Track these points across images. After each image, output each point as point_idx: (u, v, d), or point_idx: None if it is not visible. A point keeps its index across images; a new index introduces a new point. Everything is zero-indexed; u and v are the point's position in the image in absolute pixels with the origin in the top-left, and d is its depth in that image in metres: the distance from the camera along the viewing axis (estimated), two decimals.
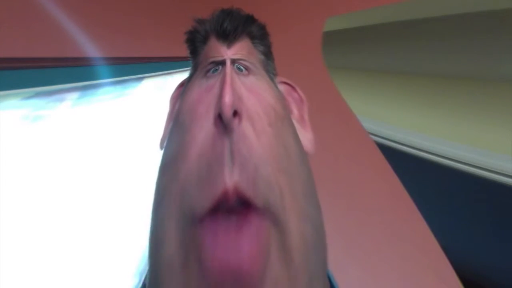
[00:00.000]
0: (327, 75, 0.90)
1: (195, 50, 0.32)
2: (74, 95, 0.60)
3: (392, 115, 1.07)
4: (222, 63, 0.27)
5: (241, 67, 0.27)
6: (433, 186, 0.97)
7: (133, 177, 0.67)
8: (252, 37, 0.31)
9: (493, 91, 0.86)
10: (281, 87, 0.31)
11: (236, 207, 0.18)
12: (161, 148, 0.28)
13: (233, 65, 0.27)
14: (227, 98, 0.20)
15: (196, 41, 0.32)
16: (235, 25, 0.29)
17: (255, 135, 0.21)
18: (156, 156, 0.26)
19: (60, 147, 0.55)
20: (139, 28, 0.71)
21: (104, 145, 0.63)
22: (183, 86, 0.32)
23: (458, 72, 0.94)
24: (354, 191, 0.74)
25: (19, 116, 0.50)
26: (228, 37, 0.29)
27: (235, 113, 0.21)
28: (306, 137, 0.28)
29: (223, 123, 0.20)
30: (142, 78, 0.79)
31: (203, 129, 0.21)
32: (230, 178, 0.18)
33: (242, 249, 0.17)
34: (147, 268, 0.21)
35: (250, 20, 0.32)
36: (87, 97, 0.63)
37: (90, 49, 0.57)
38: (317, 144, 0.29)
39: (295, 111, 0.31)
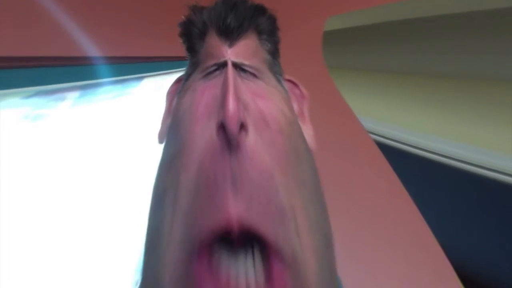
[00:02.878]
0: (327, 75, 0.90)
1: (193, 47, 0.29)
2: (74, 94, 0.60)
3: (392, 114, 1.07)
4: (224, 65, 0.24)
5: (246, 69, 0.25)
6: (432, 185, 0.97)
7: (133, 176, 0.67)
8: (259, 32, 0.28)
9: (493, 90, 0.86)
10: (284, 85, 0.30)
11: (243, 243, 0.16)
12: (160, 142, 0.27)
13: (237, 68, 0.24)
14: (231, 108, 0.18)
15: (193, 36, 0.28)
16: (240, 21, 0.26)
17: (264, 149, 0.19)
18: (155, 155, 0.25)
19: (61, 145, 0.55)
20: (139, 28, 0.71)
21: (104, 144, 0.63)
22: (181, 82, 0.30)
23: (458, 72, 0.94)
24: (353, 190, 0.74)
25: (20, 115, 0.50)
26: (231, 34, 0.26)
27: (241, 126, 0.18)
28: (307, 133, 0.27)
29: (227, 137, 0.18)
30: (142, 78, 0.79)
31: (204, 135, 0.19)
32: (234, 208, 0.16)
33: None
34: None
35: (259, 11, 0.28)
36: (88, 96, 0.64)
37: (91, 49, 0.57)
38: (317, 143, 0.29)
39: (295, 106, 0.30)
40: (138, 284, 0.19)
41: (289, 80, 0.31)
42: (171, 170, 0.20)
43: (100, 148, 0.62)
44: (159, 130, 0.29)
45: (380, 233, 0.67)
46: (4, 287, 0.41)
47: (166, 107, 0.31)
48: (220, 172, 0.17)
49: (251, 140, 0.19)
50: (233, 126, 0.17)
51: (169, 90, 0.32)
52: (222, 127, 0.18)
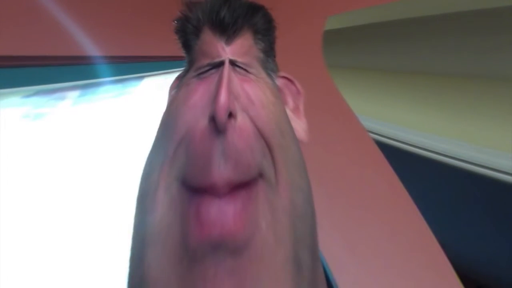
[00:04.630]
0: (327, 74, 0.90)
1: (187, 43, 0.29)
2: (74, 93, 0.60)
3: (392, 113, 1.07)
4: (220, 64, 0.25)
5: (239, 65, 0.25)
6: (431, 184, 0.97)
7: (133, 176, 0.67)
8: (255, 31, 0.28)
9: (493, 89, 0.86)
10: (280, 81, 0.31)
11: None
12: None
13: (232, 66, 0.25)
14: (222, 99, 0.20)
15: (187, 33, 0.28)
16: (234, 16, 0.26)
17: (251, 123, 0.21)
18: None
19: (61, 145, 0.55)
20: (140, 27, 0.71)
21: (105, 144, 0.64)
22: (179, 79, 0.30)
23: (458, 70, 0.94)
24: (353, 189, 0.74)
25: (20, 114, 0.50)
26: (226, 31, 0.26)
27: (230, 114, 0.20)
28: (300, 126, 0.28)
29: (216, 125, 0.20)
30: (142, 77, 0.79)
31: (195, 122, 0.21)
32: (220, 175, 0.18)
33: (227, 213, 0.17)
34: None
35: (253, 9, 0.27)
36: (88, 96, 0.64)
37: (91, 48, 0.57)
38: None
39: (290, 102, 0.31)
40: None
41: (285, 77, 0.32)
42: (161, 143, 0.22)
43: (101, 147, 0.62)
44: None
45: (379, 232, 0.67)
46: (4, 287, 0.41)
47: (168, 101, 0.31)
48: (208, 147, 0.19)
49: (239, 118, 0.21)
50: (221, 117, 0.19)
51: (171, 86, 0.33)
52: (213, 119, 0.20)
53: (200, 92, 0.23)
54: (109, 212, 0.60)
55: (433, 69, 1.01)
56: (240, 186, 0.18)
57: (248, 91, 0.23)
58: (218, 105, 0.19)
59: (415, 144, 0.95)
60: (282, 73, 0.32)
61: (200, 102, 0.22)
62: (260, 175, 0.19)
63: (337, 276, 0.60)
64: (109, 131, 0.66)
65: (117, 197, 0.62)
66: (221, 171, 0.18)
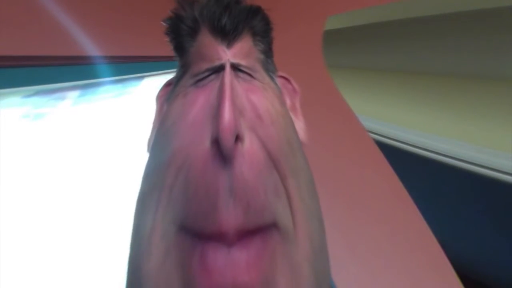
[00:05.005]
0: (327, 75, 0.90)
1: (181, 45, 0.26)
2: (75, 93, 0.60)
3: (392, 113, 1.07)
4: (220, 69, 0.23)
5: (242, 69, 0.24)
6: (432, 184, 0.97)
7: (133, 176, 0.67)
8: (254, 34, 0.27)
9: (493, 89, 0.86)
10: (278, 81, 0.30)
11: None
12: (149, 150, 0.26)
13: (234, 70, 0.23)
14: (227, 119, 0.17)
15: (181, 34, 0.26)
16: (235, 23, 0.24)
17: (259, 145, 0.19)
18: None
19: (61, 145, 0.55)
20: (140, 27, 0.71)
21: (105, 143, 0.64)
22: (170, 86, 0.28)
23: (458, 71, 0.94)
24: (353, 189, 0.74)
25: (20, 114, 0.50)
26: (227, 36, 0.24)
27: (236, 138, 0.17)
28: (299, 125, 0.28)
29: (221, 150, 0.17)
30: (142, 77, 0.79)
31: (196, 143, 0.18)
32: (228, 220, 0.15)
33: (239, 262, 0.15)
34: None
35: (253, 12, 0.26)
36: (88, 95, 0.64)
37: (91, 48, 0.57)
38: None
39: (288, 101, 0.30)
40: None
41: (281, 76, 0.31)
42: (155, 173, 0.19)
43: (100, 147, 0.62)
44: (149, 137, 0.28)
45: (379, 232, 0.67)
46: (4, 287, 0.41)
47: (156, 112, 0.30)
48: (213, 183, 0.16)
49: (247, 143, 0.18)
50: (227, 141, 0.16)
51: (158, 94, 0.30)
52: (216, 142, 0.17)
53: (199, 104, 0.21)
54: (109, 212, 0.60)
55: (433, 69, 1.00)
56: (252, 232, 0.16)
57: (255, 102, 0.21)
58: (222, 125, 0.16)
59: (415, 144, 0.95)
60: (279, 73, 0.31)
61: (200, 117, 0.20)
62: (275, 224, 0.17)
63: (337, 276, 0.60)
64: (109, 131, 0.66)
65: (117, 197, 0.62)
66: (230, 215, 0.15)
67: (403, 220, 0.70)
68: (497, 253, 0.92)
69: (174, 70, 0.30)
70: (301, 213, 0.18)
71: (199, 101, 0.21)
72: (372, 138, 0.87)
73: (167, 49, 0.30)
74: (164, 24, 0.27)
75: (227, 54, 0.23)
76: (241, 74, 0.23)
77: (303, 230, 0.17)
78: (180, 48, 0.27)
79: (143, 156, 0.25)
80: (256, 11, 0.27)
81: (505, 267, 0.92)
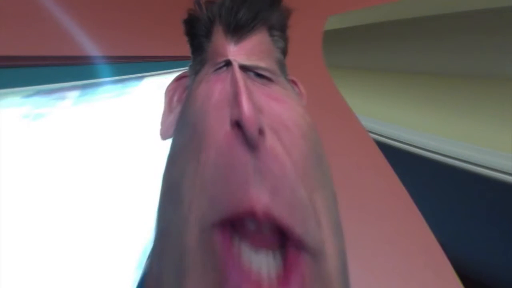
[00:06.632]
0: (327, 74, 0.90)
1: (200, 45, 0.27)
2: (74, 93, 0.60)
3: (392, 113, 1.07)
4: (229, 63, 0.23)
5: (261, 73, 0.23)
6: (432, 184, 0.97)
7: (133, 176, 0.67)
8: (270, 27, 0.26)
9: (493, 89, 0.86)
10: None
11: (266, 234, 0.16)
12: (164, 138, 0.27)
13: (249, 73, 0.23)
14: (247, 110, 0.17)
15: (199, 35, 0.27)
16: (253, 12, 0.24)
17: (285, 152, 0.18)
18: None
19: (61, 145, 0.55)
20: (140, 27, 0.71)
21: (105, 144, 0.64)
22: (182, 79, 0.29)
23: (458, 70, 0.94)
24: (353, 190, 0.74)
25: (20, 114, 0.50)
26: (240, 30, 0.24)
27: (259, 131, 0.17)
28: None
29: (244, 136, 0.17)
30: (142, 77, 0.79)
31: (219, 123, 0.19)
32: (258, 200, 0.15)
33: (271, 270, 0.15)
34: (147, 259, 0.19)
35: (274, 3, 0.25)
36: (88, 96, 0.64)
37: (91, 48, 0.57)
38: None
39: None
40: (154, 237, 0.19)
41: (290, 79, 0.31)
42: (188, 151, 0.19)
43: (101, 147, 0.62)
44: (161, 128, 0.29)
45: (379, 232, 0.67)
46: (4, 287, 0.41)
47: (165, 104, 0.30)
48: (240, 163, 0.17)
49: (269, 142, 0.18)
50: (253, 131, 0.17)
51: (168, 88, 0.31)
52: (237, 124, 0.18)
53: (218, 89, 0.22)
54: (109, 212, 0.60)
55: (433, 69, 1.01)
56: (286, 244, 0.15)
57: (279, 111, 0.20)
58: (244, 115, 0.17)
59: (415, 144, 0.95)
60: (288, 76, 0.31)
61: (220, 101, 0.20)
62: (303, 246, 0.16)
63: None
64: (109, 131, 0.66)
65: (117, 197, 0.62)
66: (258, 191, 0.15)
67: (403, 220, 0.70)
68: (497, 253, 0.92)
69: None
70: (332, 238, 0.17)
71: (217, 86, 0.22)
72: (372, 138, 0.87)
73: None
74: (182, 24, 0.28)
75: (232, 52, 0.24)
76: (259, 79, 0.23)
77: (332, 246, 0.17)
78: (200, 48, 0.28)
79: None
80: (275, 2, 0.26)
81: (505, 267, 0.92)
